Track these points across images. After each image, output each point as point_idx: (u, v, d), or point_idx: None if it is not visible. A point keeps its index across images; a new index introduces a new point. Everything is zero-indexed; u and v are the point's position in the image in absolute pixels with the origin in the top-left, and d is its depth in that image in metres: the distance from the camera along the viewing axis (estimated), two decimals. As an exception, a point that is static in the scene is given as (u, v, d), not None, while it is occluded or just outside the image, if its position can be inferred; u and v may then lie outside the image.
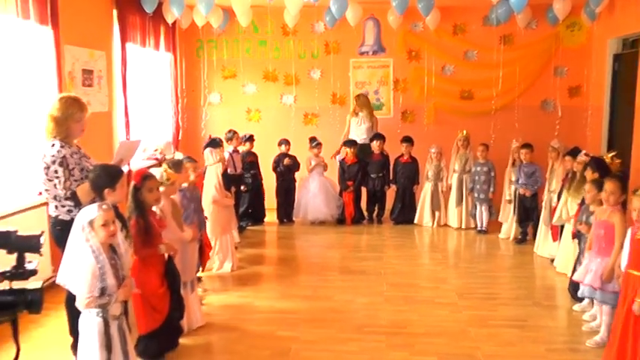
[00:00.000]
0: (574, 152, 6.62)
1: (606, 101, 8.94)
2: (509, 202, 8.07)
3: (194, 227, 5.28)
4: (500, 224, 8.31)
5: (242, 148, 8.75)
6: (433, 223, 8.88)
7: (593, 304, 5.28)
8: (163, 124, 9.58)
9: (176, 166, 5.37)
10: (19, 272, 2.77)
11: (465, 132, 8.70)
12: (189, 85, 10.18)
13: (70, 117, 4.32)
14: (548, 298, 5.95)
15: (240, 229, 8.22)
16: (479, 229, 8.55)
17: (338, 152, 9.29)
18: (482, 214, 8.50)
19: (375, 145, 9.06)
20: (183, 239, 4.89)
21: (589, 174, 5.66)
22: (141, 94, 8.63)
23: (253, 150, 8.96)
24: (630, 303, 3.99)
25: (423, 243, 8.30)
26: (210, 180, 6.60)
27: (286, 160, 9.00)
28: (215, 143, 6.88)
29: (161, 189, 4.70)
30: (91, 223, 3.34)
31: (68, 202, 4.26)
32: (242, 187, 8.51)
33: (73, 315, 4.11)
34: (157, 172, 4.88)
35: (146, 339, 4.38)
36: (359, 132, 9.28)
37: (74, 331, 4.26)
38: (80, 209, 4.12)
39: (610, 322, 4.66)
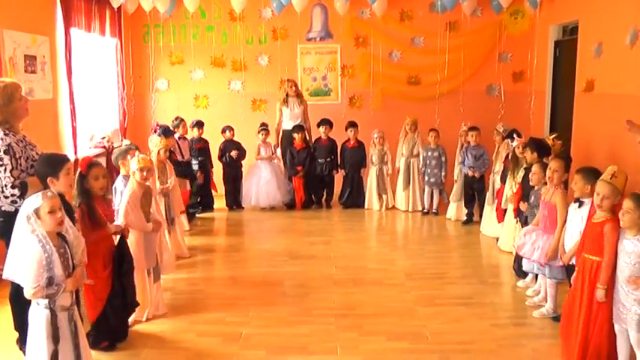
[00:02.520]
0: (512, 135, 6.82)
1: (548, 86, 9.22)
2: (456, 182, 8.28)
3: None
4: (447, 206, 8.48)
5: (191, 135, 8.69)
6: (381, 207, 8.98)
7: (536, 280, 5.49)
8: (110, 112, 9.42)
9: (122, 153, 5.34)
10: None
11: (412, 116, 8.81)
12: (136, 71, 10.03)
13: (12, 98, 4.19)
14: (493, 276, 6.14)
15: (190, 217, 8.18)
16: (425, 211, 8.69)
17: (277, 145, 9.19)
18: (432, 197, 8.65)
19: (322, 131, 9.08)
20: (145, 229, 4.90)
21: (528, 154, 5.86)
22: (87, 80, 8.47)
23: (203, 136, 8.86)
24: (590, 287, 3.93)
25: (371, 226, 8.40)
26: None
27: (233, 153, 8.91)
28: (163, 131, 6.84)
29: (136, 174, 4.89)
30: (36, 211, 3.28)
31: (14, 192, 4.07)
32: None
33: (18, 310, 4.05)
34: (134, 162, 4.96)
35: (94, 330, 4.37)
36: (293, 117, 9.06)
37: (19, 326, 4.20)
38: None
39: (554, 294, 4.92)
